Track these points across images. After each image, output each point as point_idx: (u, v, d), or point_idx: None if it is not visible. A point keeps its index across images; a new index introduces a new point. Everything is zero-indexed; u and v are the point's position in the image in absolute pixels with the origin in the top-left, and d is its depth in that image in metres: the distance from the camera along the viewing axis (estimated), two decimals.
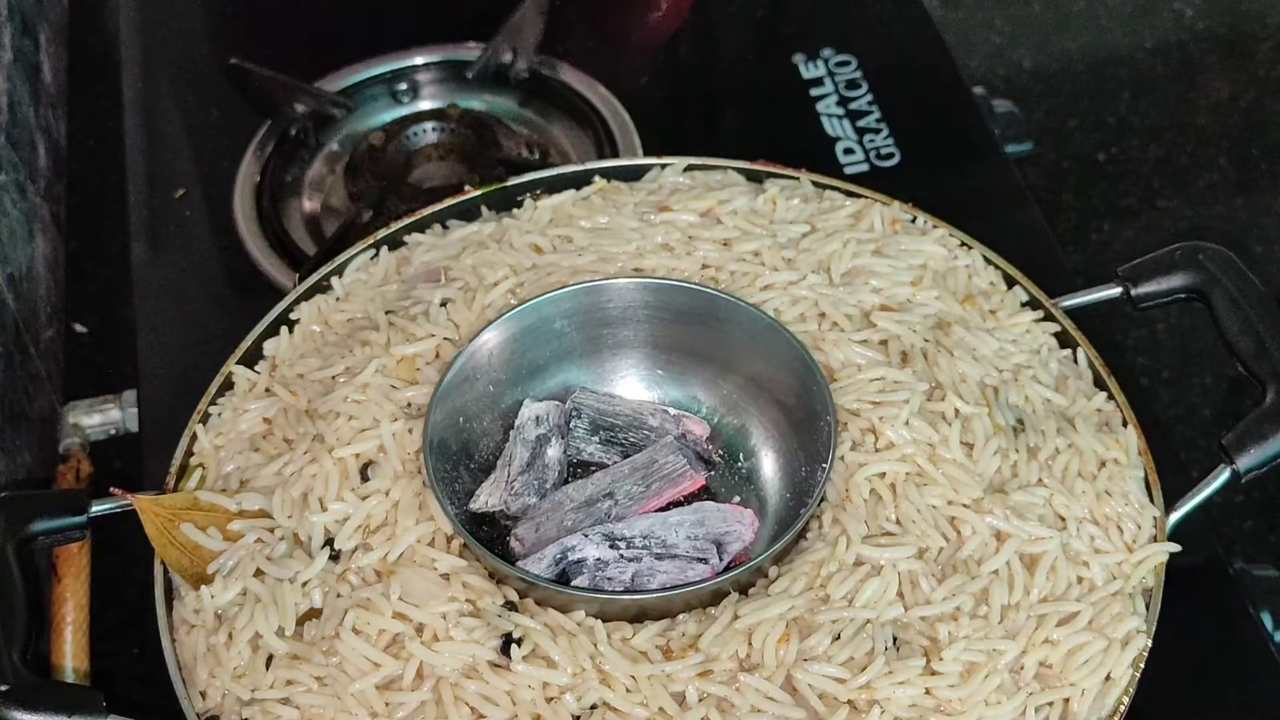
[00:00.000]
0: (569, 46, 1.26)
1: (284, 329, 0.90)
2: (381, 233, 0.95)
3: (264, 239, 1.12)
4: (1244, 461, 0.80)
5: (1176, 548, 0.79)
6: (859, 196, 0.95)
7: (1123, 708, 0.73)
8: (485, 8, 1.26)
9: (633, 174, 0.98)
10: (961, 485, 0.78)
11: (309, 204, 1.18)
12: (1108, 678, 0.74)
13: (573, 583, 0.76)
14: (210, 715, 0.74)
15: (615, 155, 1.15)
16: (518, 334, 0.85)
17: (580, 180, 0.97)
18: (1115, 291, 0.90)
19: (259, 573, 0.77)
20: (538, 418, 0.84)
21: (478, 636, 0.72)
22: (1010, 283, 0.91)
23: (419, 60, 1.25)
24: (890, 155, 1.17)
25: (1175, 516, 0.80)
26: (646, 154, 1.14)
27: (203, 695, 0.75)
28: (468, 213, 0.97)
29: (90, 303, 1.17)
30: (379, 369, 0.84)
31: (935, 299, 0.88)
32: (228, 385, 0.87)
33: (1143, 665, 0.74)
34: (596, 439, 0.85)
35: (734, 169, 0.97)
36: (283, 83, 1.19)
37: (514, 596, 0.75)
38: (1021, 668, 0.73)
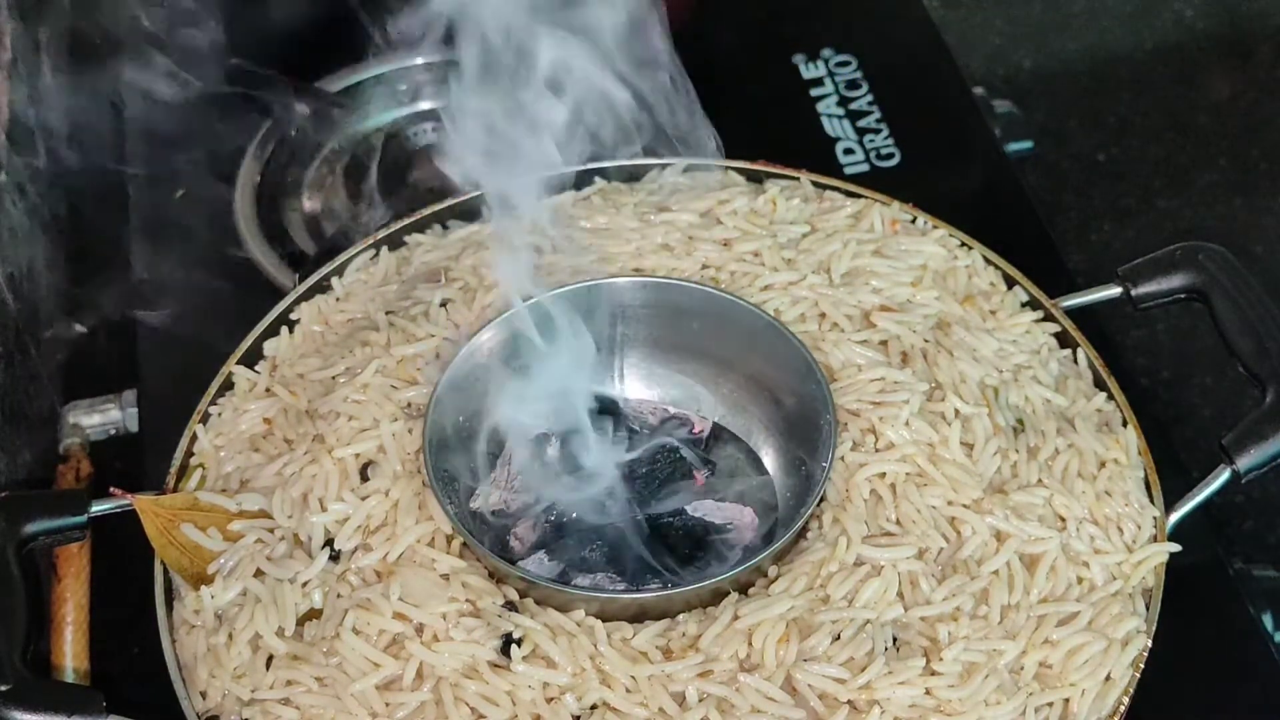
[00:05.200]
0: None
1: (284, 329, 0.90)
2: (381, 233, 0.95)
3: (264, 239, 1.12)
4: (1244, 462, 0.80)
5: (1176, 548, 0.79)
6: (859, 197, 0.95)
7: (1122, 708, 0.73)
8: None
9: (633, 174, 0.98)
10: (961, 485, 0.78)
11: (309, 204, 1.18)
12: (1108, 678, 0.74)
13: (572, 582, 0.76)
14: (210, 715, 0.74)
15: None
16: (517, 333, 0.85)
17: (580, 180, 0.97)
18: (1115, 291, 0.89)
19: (259, 573, 0.77)
20: None
21: (478, 636, 0.72)
22: (1010, 283, 0.91)
23: (419, 60, 1.25)
24: (890, 155, 1.17)
25: (1175, 517, 0.80)
26: (646, 154, 1.14)
27: (203, 695, 0.75)
28: (468, 213, 0.97)
29: (90, 303, 1.17)
30: (379, 369, 0.84)
31: (935, 299, 0.88)
32: (228, 385, 0.87)
33: (1143, 665, 0.74)
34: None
35: (734, 169, 0.97)
36: (283, 83, 1.19)
37: (514, 596, 0.75)
38: (1021, 668, 0.73)
